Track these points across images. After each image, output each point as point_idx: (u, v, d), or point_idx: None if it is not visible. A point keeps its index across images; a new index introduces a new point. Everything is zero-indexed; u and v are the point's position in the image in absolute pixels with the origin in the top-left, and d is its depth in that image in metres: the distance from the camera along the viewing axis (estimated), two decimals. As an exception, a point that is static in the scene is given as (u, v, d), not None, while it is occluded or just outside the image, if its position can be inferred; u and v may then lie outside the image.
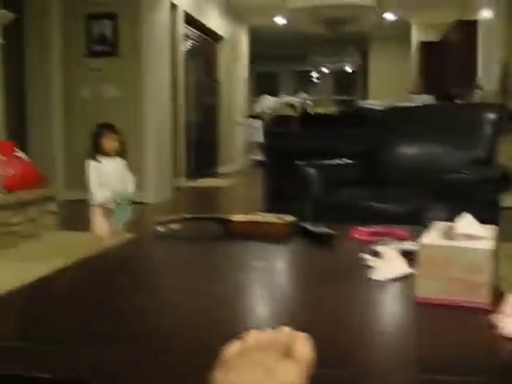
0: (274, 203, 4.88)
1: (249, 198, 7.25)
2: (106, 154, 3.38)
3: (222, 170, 10.11)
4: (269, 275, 1.44)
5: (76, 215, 5.53)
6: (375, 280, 1.27)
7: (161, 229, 1.81)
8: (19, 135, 5.80)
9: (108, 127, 3.47)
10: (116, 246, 1.78)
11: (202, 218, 1.93)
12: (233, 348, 0.64)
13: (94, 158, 3.39)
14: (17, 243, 4.09)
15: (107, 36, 6.30)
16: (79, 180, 6.32)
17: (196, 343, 0.95)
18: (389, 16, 10.79)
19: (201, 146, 9.01)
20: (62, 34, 6.35)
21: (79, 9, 6.31)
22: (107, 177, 3.37)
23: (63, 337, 0.99)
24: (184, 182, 7.93)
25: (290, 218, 1.79)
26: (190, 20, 8.25)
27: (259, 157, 11.64)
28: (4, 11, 4.69)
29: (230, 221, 1.78)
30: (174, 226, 1.84)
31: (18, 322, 1.13)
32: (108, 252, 1.70)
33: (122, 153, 3.47)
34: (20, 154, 4.32)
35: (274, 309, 1.20)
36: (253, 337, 0.65)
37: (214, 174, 9.61)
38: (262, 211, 1.97)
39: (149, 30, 6.29)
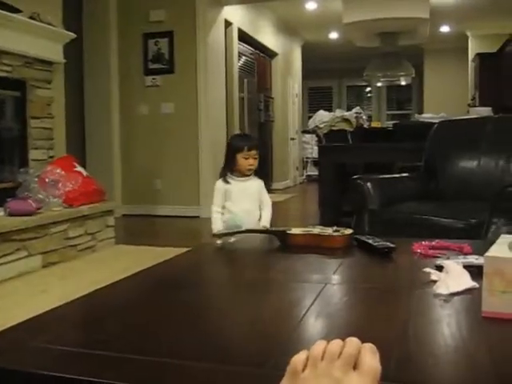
0: (329, 217, 4.85)
1: (303, 213, 7.24)
2: (241, 173, 2.94)
3: (275, 185, 10.12)
4: (328, 288, 1.42)
5: (132, 229, 5.63)
6: (440, 294, 1.24)
7: (219, 241, 1.82)
8: (79, 150, 5.96)
9: (247, 140, 3.00)
10: (174, 259, 1.79)
11: (259, 230, 1.93)
12: (300, 358, 0.63)
13: (224, 176, 2.96)
14: (76, 256, 4.19)
15: (164, 54, 6.42)
16: (135, 195, 6.49)
17: (261, 356, 0.94)
18: (444, 28, 10.64)
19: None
20: (119, 53, 6.52)
21: (136, 28, 6.47)
22: (237, 201, 2.92)
23: (120, 347, 0.99)
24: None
25: (348, 231, 1.76)
26: (244, 37, 8.33)
27: (313, 172, 11.61)
28: (65, 31, 4.84)
29: (288, 233, 1.77)
30: (232, 239, 1.85)
31: (79, 331, 1.14)
32: (165, 265, 1.71)
33: (258, 171, 3.00)
34: (80, 168, 4.43)
35: (333, 323, 1.18)
36: (320, 347, 0.64)
37: (268, 190, 9.60)
38: (317, 226, 1.96)
39: (204, 48, 6.38)
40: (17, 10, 4.25)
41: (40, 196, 3.97)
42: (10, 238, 3.65)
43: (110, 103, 6.47)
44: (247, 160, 2.89)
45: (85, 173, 4.42)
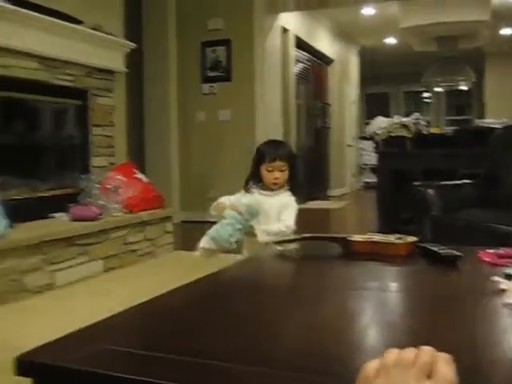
0: (386, 225, 4.78)
1: (360, 220, 7.15)
2: (266, 187, 2.52)
3: (332, 192, 10.05)
4: (391, 296, 1.39)
5: (190, 235, 5.69)
6: (510, 304, 1.19)
7: (279, 248, 1.82)
8: (138, 157, 6.07)
9: (273, 148, 2.52)
10: (234, 265, 1.79)
11: (320, 237, 1.91)
12: (373, 365, 0.62)
13: (246, 185, 2.61)
14: (135, 261, 4.26)
15: (221, 62, 6.49)
16: (193, 201, 6.55)
17: (324, 363, 0.93)
18: (505, 31, 10.36)
19: (311, 169, 9.01)
20: (178, 61, 6.61)
21: (194, 37, 6.55)
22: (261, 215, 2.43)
23: (179, 350, 1.00)
24: (295, 204, 7.94)
25: (411, 239, 1.73)
26: (301, 43, 8.32)
27: (370, 179, 11.48)
28: (125, 41, 4.95)
29: (350, 240, 1.75)
30: (293, 245, 1.84)
31: (140, 335, 1.15)
32: (226, 270, 1.72)
33: (290, 183, 2.53)
34: (140, 175, 4.51)
35: (397, 331, 1.15)
36: (393, 355, 0.62)
37: (324, 197, 9.57)
38: (376, 232, 1.92)
39: (261, 55, 6.41)
40: (79, 22, 4.37)
41: (101, 202, 4.06)
42: (73, 242, 3.74)
43: (169, 111, 6.57)
44: (271, 173, 2.45)
45: (144, 179, 4.49)
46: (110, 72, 4.81)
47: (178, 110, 6.62)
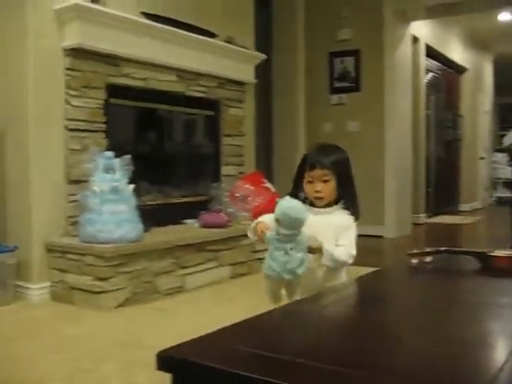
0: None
1: (493, 237, 6.79)
2: (313, 203, 1.99)
3: (463, 207, 9.64)
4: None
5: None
6: None
7: (413, 260, 1.76)
8: (266, 167, 6.16)
9: (315, 154, 2.01)
10: (367, 276, 1.76)
11: (457, 251, 1.83)
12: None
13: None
14: (262, 269, 4.30)
15: (350, 72, 6.44)
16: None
17: (457, 379, 0.88)
18: None
19: (441, 182, 8.70)
20: (306, 72, 6.65)
21: (322, 48, 6.56)
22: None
23: (310, 357, 0.99)
24: (423, 219, 7.71)
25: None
26: (432, 52, 8.09)
27: (503, 194, 10.88)
28: (256, 53, 5.05)
29: (491, 255, 1.66)
30: (427, 259, 1.77)
31: (271, 338, 1.15)
32: (358, 281, 1.69)
33: (344, 201, 2.00)
34: (268, 184, 4.57)
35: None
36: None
37: (454, 212, 9.20)
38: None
39: (391, 65, 6.29)
40: (213, 35, 4.52)
41: (230, 210, 4.16)
42: (203, 248, 3.86)
43: (297, 121, 6.61)
44: (311, 184, 1.96)
45: (273, 189, 4.54)
46: (241, 83, 4.93)
47: (305, 121, 6.65)
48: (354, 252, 1.92)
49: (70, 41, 3.55)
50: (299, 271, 1.68)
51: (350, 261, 1.91)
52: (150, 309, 3.30)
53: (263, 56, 5.08)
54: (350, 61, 6.45)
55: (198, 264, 3.83)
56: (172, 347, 1.04)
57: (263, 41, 6.25)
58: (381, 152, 6.27)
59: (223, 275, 4.02)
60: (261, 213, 4.31)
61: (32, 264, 3.46)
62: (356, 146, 6.34)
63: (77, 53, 3.60)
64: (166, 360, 1.02)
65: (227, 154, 4.84)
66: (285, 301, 1.80)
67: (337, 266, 1.89)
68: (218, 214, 4.10)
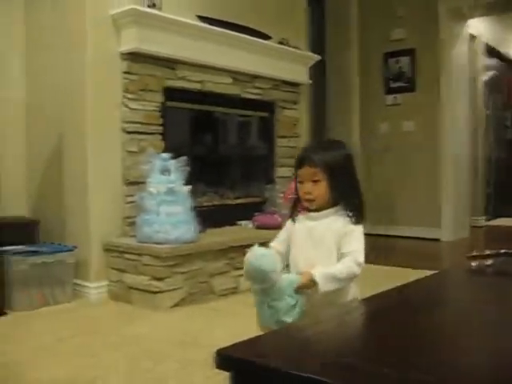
0: None
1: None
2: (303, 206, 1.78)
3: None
4: None
5: (370, 248, 5.60)
6: None
7: (473, 263, 1.71)
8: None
9: (304, 151, 1.78)
10: (424, 279, 1.72)
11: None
12: None
13: (292, 209, 1.85)
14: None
15: (405, 72, 6.35)
16: (374, 213, 6.45)
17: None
18: None
19: (501, 183, 8.46)
20: (360, 72, 6.59)
21: (376, 48, 6.49)
22: (300, 248, 1.78)
23: (371, 360, 0.97)
24: (483, 221, 7.51)
25: None
26: (490, 50, 7.88)
27: None
28: (310, 54, 5.03)
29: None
30: (487, 261, 1.72)
31: (329, 340, 1.14)
32: (417, 283, 1.65)
33: (343, 204, 1.76)
34: (322, 186, 4.53)
35: None
36: None
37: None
38: None
39: (447, 64, 6.16)
40: (267, 37, 4.53)
41: (284, 211, 4.14)
42: (257, 249, 3.86)
43: (351, 122, 6.56)
44: (302, 185, 1.73)
45: (326, 190, 4.51)
46: (295, 84, 4.93)
47: (360, 121, 6.59)
48: (360, 259, 1.68)
49: (128, 45, 3.62)
50: (288, 319, 1.56)
51: (357, 270, 1.68)
52: (206, 309, 3.32)
53: (317, 57, 5.06)
54: (405, 60, 6.35)
55: (253, 265, 3.84)
56: (231, 346, 1.04)
57: (317, 41, 6.23)
58: (437, 152, 6.15)
59: (277, 277, 4.02)
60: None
61: (90, 263, 3.54)
62: (412, 146, 6.26)
63: (134, 57, 3.67)
64: (225, 359, 1.02)
65: (281, 156, 4.84)
66: None
67: (342, 284, 1.67)
68: (272, 215, 4.10)
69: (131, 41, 3.61)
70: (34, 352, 2.56)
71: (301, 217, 1.79)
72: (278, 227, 4.03)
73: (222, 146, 4.66)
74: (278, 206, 4.27)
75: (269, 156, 4.79)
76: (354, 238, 1.72)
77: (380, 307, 1.37)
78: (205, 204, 4.15)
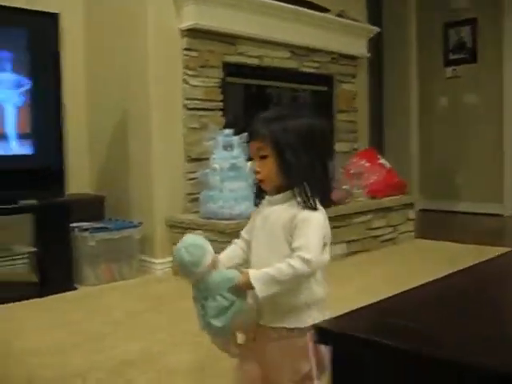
0: None
1: None
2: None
3: None
4: None
5: (430, 224, 5.51)
6: None
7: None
8: (377, 143, 6.03)
9: (253, 124, 1.44)
10: (497, 256, 1.67)
11: None
12: None
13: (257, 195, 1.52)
14: (377, 247, 4.24)
15: (465, 43, 6.15)
16: (433, 188, 6.34)
17: None
18: None
19: None
20: (418, 44, 6.42)
21: (436, 18, 6.30)
22: (256, 241, 1.46)
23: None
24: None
25: None
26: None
27: None
28: (369, 26, 4.93)
29: None
30: None
31: (415, 314, 1.12)
32: (490, 261, 1.60)
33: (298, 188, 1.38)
34: (383, 160, 4.47)
35: None
36: None
37: None
38: None
39: (511, 34, 5.93)
40: (325, 10, 4.45)
41: (345, 187, 4.10)
42: (319, 225, 3.83)
43: (409, 95, 6.42)
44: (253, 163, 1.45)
45: (388, 165, 4.44)
46: (353, 58, 4.84)
47: (418, 95, 6.44)
48: (308, 255, 1.30)
49: (187, 21, 3.62)
50: (217, 323, 1.33)
51: (304, 269, 1.31)
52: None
53: (376, 29, 4.95)
54: (466, 30, 6.15)
55: (314, 241, 3.82)
56: (329, 320, 1.04)
57: (374, 13, 6.09)
58: (499, 125, 5.95)
59: (338, 253, 3.99)
60: (377, 190, 4.24)
61: (155, 240, 3.59)
62: (472, 120, 6.08)
63: (193, 33, 3.67)
64: (324, 332, 1.02)
65: (341, 131, 4.78)
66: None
67: (286, 287, 1.34)
68: (335, 190, 4.06)
69: (191, 17, 3.60)
70: (106, 326, 2.62)
71: (263, 201, 1.47)
72: (340, 203, 4.01)
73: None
74: (339, 181, 4.22)
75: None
76: (305, 228, 1.34)
77: (454, 283, 1.34)
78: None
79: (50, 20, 3.19)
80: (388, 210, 4.32)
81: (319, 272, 1.40)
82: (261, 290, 1.31)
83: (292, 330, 1.37)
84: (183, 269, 1.34)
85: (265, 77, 4.20)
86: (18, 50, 3.14)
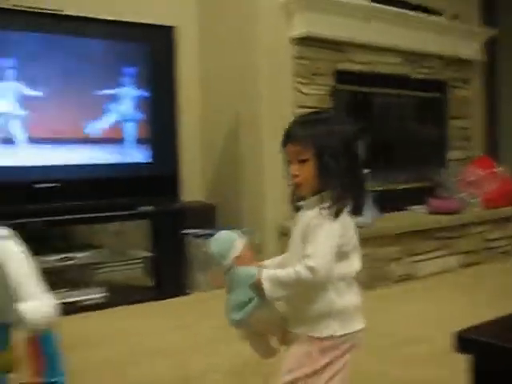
0: None
1: None
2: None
3: None
4: None
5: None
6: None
7: None
8: (492, 150, 5.75)
9: (288, 127, 1.41)
10: None
11: None
12: None
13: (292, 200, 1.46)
14: (495, 258, 4.05)
15: None
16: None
17: None
18: None
19: None
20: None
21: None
22: (289, 245, 1.43)
23: None
24: None
25: None
26: None
27: None
28: (483, 29, 4.74)
29: None
30: None
31: None
32: None
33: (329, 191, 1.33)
34: (499, 168, 4.27)
35: None
36: None
37: None
38: None
39: None
40: (438, 13, 4.33)
41: (460, 196, 3.96)
42: (432, 235, 3.72)
43: None
44: (290, 166, 1.38)
45: (504, 173, 4.24)
46: (467, 62, 4.66)
47: None
48: (312, 263, 1.26)
49: (298, 30, 3.63)
50: (236, 316, 1.35)
51: (307, 276, 1.26)
52: (381, 295, 3.25)
53: (491, 31, 4.76)
54: None
55: (427, 252, 3.71)
56: (470, 328, 1.00)
57: (488, 14, 5.84)
58: None
59: (452, 264, 3.85)
60: (493, 199, 4.07)
61: (266, 247, 3.60)
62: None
63: (304, 41, 3.68)
64: (466, 341, 0.98)
65: (454, 138, 4.61)
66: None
67: (290, 291, 1.33)
68: (447, 199, 3.93)
69: (302, 25, 3.61)
70: (217, 330, 2.66)
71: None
72: (456, 212, 3.87)
73: (390, 129, 4.52)
74: (452, 190, 4.08)
75: (440, 138, 4.57)
76: (316, 236, 1.30)
77: None
78: (376, 188, 4.05)
79: (167, 33, 3.30)
80: (505, 220, 4.11)
81: (342, 282, 1.34)
82: (268, 289, 1.31)
83: (311, 337, 1.33)
84: (213, 259, 1.39)
85: (375, 83, 4.13)
86: (138, 64, 3.27)
